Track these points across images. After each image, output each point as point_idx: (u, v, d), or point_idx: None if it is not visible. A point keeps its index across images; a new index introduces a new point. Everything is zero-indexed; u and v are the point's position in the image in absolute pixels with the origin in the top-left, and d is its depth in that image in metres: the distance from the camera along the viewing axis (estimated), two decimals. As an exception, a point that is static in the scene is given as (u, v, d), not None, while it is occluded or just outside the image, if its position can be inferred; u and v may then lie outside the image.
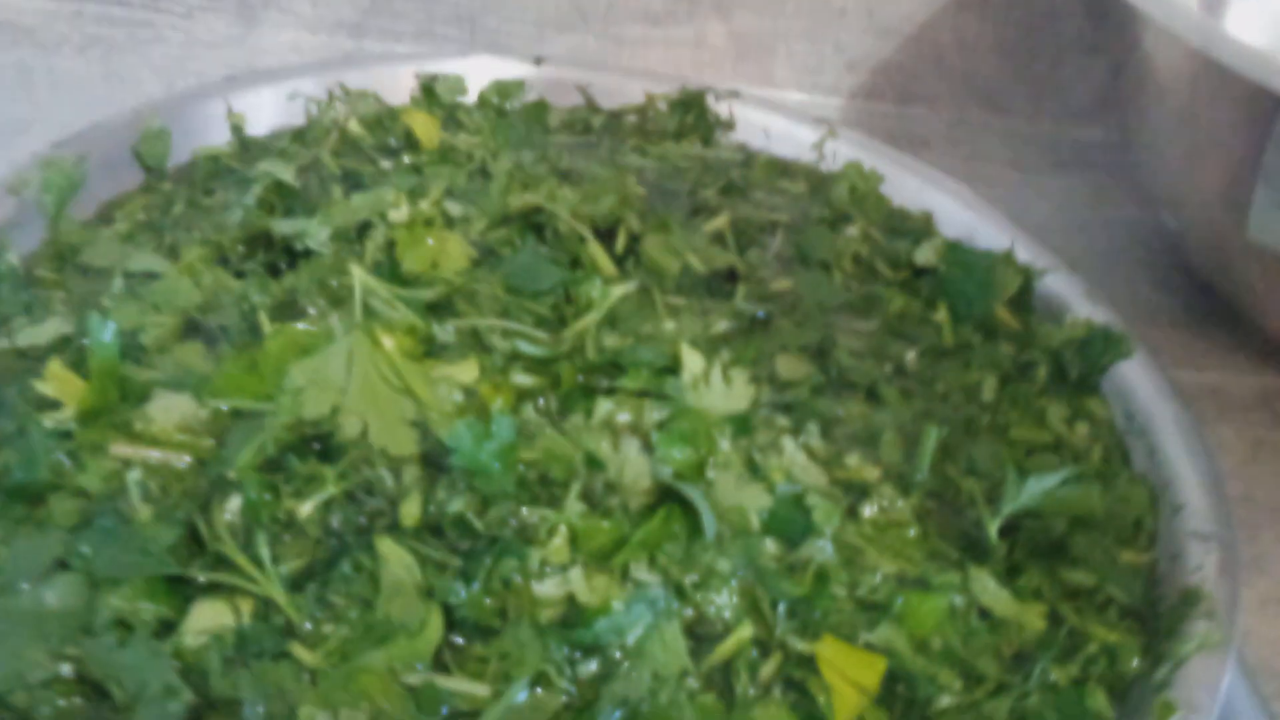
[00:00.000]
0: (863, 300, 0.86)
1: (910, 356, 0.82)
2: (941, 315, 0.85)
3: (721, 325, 0.80)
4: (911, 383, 0.80)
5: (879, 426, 0.74)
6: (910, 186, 1.00)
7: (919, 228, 0.95)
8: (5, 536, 0.57)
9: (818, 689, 0.57)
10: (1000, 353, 0.83)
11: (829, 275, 0.87)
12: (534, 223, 0.84)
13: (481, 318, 0.76)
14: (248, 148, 0.93)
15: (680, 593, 0.60)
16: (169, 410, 0.65)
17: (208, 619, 0.53)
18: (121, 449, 0.62)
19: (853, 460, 0.72)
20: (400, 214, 0.80)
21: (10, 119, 1.07)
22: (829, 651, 0.59)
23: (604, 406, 0.70)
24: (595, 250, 0.83)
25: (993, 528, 0.67)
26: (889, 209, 0.98)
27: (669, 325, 0.78)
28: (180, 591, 0.55)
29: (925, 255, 0.90)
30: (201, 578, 0.56)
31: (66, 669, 0.52)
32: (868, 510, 0.68)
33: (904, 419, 0.76)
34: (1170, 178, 1.02)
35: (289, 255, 0.79)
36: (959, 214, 0.96)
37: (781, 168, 1.02)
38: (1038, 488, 0.68)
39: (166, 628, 0.53)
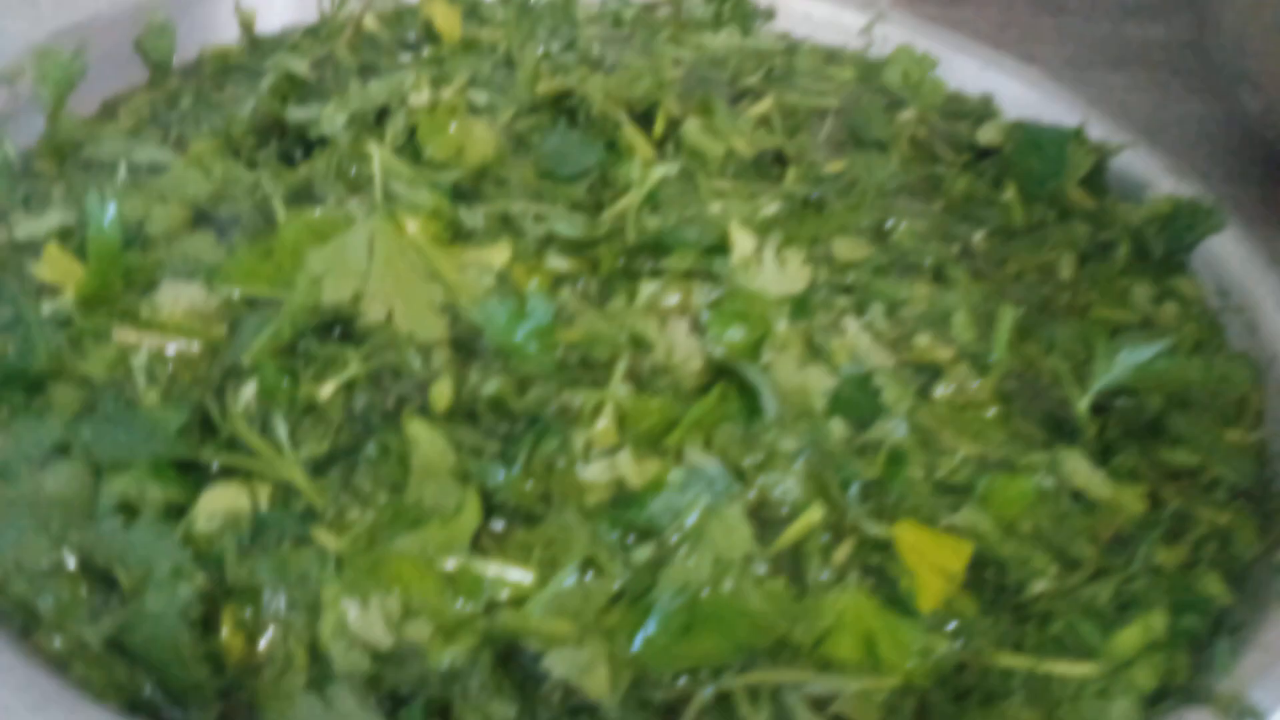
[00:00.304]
0: (923, 182, 0.79)
1: (977, 237, 0.75)
2: (1010, 195, 0.79)
3: (772, 208, 0.74)
4: (980, 264, 0.73)
5: (948, 307, 0.68)
6: (967, 69, 0.92)
7: (979, 110, 0.88)
8: (2, 423, 0.52)
9: (899, 572, 0.51)
10: (1076, 232, 0.76)
11: (886, 155, 0.81)
12: (565, 108, 0.78)
13: (512, 202, 0.70)
14: (257, 45, 0.88)
15: (740, 475, 0.54)
16: (178, 298, 0.60)
17: (221, 503, 0.48)
18: (126, 335, 0.57)
19: (922, 341, 0.65)
20: (421, 98, 0.74)
21: (12, 36, 1.02)
22: (909, 535, 0.53)
23: (648, 288, 0.64)
24: (632, 134, 0.76)
25: (1083, 404, 0.61)
26: (945, 93, 0.91)
27: (715, 207, 0.72)
28: (191, 479, 0.50)
29: (989, 135, 0.83)
30: (214, 462, 0.51)
31: (70, 559, 0.47)
32: (941, 391, 0.62)
33: (975, 300, 0.69)
34: (1253, 54, 0.94)
35: (303, 145, 0.74)
36: (1022, 94, 0.89)
37: (827, 55, 0.95)
38: (1131, 360, 0.61)
39: (177, 513, 0.48)
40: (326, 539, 0.48)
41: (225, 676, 0.45)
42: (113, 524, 0.46)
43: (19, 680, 0.41)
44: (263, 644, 0.46)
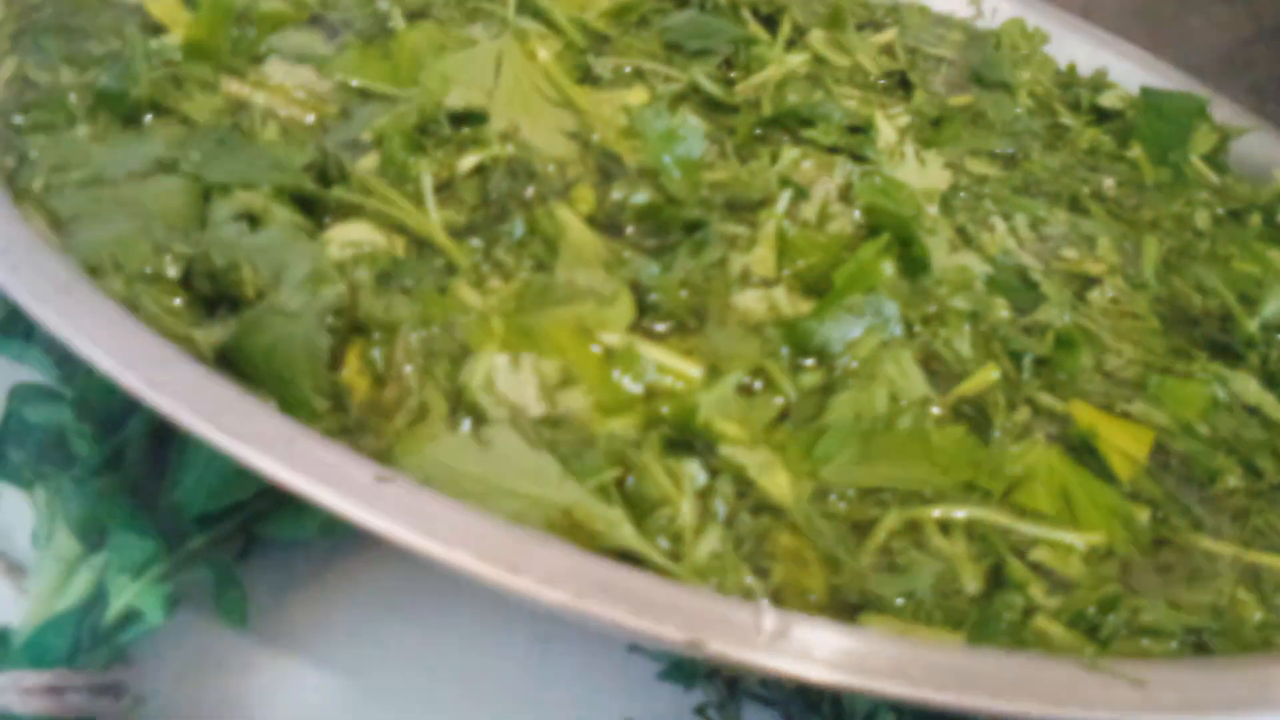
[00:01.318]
0: (1049, 130, 0.76)
1: (1109, 184, 0.72)
2: (1137, 153, 0.75)
3: (903, 120, 0.70)
4: (1114, 208, 0.70)
5: (1090, 232, 0.64)
6: (1079, 50, 0.90)
7: (1095, 82, 0.85)
8: (99, 136, 0.45)
9: (1088, 439, 0.46)
10: (1207, 198, 0.73)
11: (1011, 95, 0.77)
12: (689, -3, 0.74)
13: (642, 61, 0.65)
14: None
15: (909, 328, 0.49)
16: (289, 74, 0.54)
17: (356, 234, 0.42)
18: (236, 87, 0.51)
19: (1071, 253, 0.61)
20: (547, -51, 0.70)
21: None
22: (1087, 415, 0.48)
23: (790, 153, 0.60)
24: (758, 31, 0.72)
25: (1252, 325, 0.57)
26: (1055, 69, 0.89)
27: (849, 104, 0.68)
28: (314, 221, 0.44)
29: (1110, 100, 0.81)
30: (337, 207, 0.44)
31: (172, 269, 0.39)
32: (1096, 296, 0.58)
33: (1115, 233, 0.65)
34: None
35: (419, -21, 0.69)
36: (1136, 75, 0.87)
37: (935, 19, 0.93)
38: (1303, 289, 0.57)
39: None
40: (470, 296, 0.41)
41: (348, 415, 0.37)
42: (235, 228, 0.39)
43: (140, 339, 0.33)
44: (389, 390, 0.39)
